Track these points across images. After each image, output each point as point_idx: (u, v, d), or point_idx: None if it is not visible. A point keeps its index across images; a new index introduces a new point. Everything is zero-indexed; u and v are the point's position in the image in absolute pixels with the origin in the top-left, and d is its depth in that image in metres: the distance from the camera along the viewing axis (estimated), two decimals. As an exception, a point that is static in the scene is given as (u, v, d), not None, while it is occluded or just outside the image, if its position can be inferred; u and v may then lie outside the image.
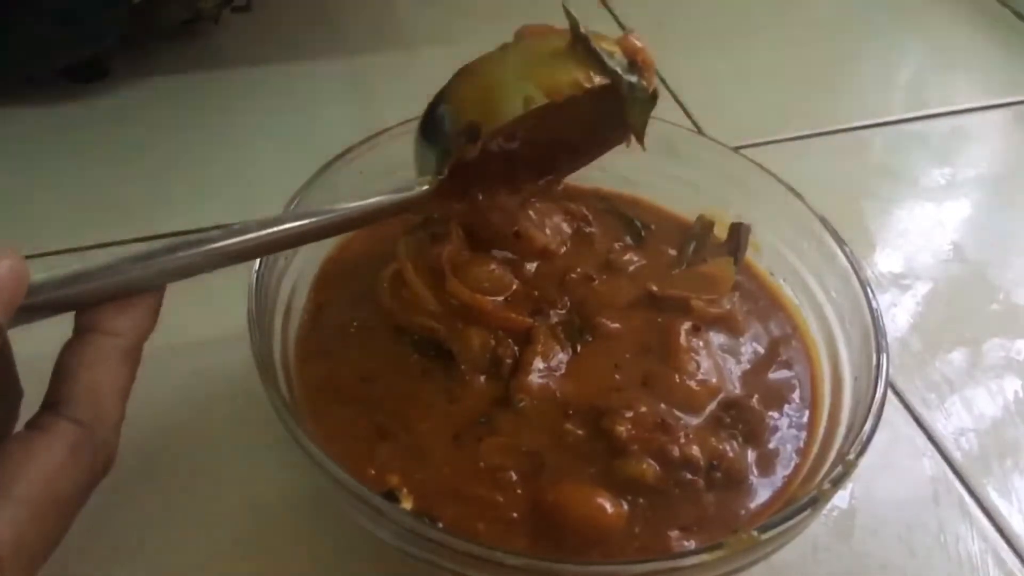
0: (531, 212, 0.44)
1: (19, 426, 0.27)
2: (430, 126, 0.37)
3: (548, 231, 0.44)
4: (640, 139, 0.39)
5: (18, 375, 0.29)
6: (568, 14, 0.36)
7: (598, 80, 0.36)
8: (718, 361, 0.41)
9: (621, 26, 0.73)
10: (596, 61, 0.36)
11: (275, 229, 0.32)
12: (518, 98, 0.35)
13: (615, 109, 0.38)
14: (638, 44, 0.37)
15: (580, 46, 0.36)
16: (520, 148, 0.41)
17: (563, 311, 0.42)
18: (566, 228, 0.45)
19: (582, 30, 0.36)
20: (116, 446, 0.28)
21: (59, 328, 0.29)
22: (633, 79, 0.37)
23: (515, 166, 0.41)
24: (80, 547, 0.37)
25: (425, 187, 0.36)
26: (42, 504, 0.25)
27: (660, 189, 0.48)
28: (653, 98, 0.38)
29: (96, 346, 0.28)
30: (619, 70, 0.36)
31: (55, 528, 0.26)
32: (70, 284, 0.28)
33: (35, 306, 0.27)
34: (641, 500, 0.35)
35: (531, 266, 0.44)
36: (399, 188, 0.36)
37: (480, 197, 0.41)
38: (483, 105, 0.36)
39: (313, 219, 0.33)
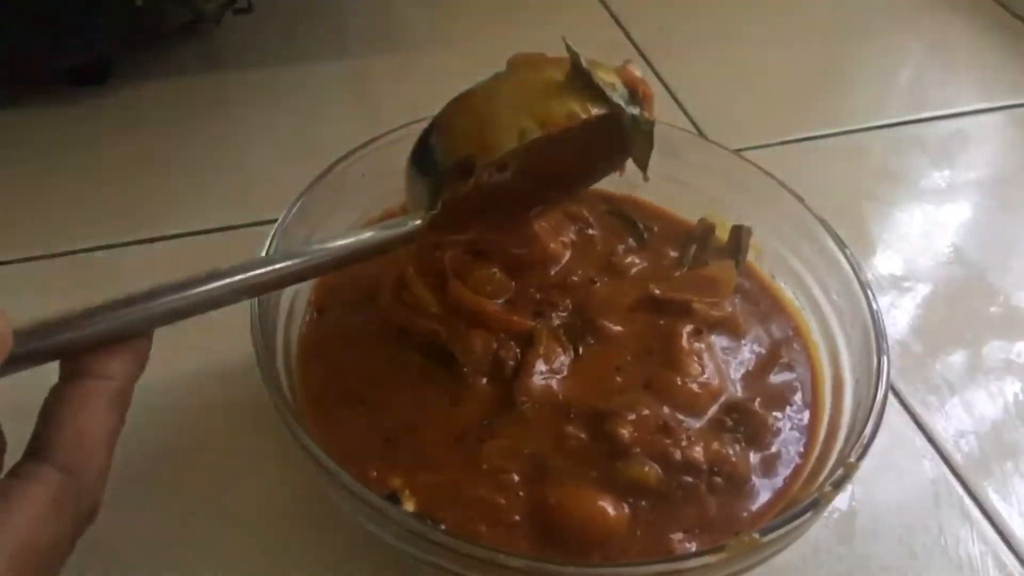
0: (538, 227, 0.44)
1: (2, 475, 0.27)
2: (422, 156, 0.36)
3: (558, 239, 0.44)
4: (644, 169, 0.39)
5: (0, 426, 0.28)
6: (569, 48, 0.36)
7: (595, 111, 0.35)
8: (720, 364, 0.41)
9: (622, 28, 0.73)
10: (598, 95, 0.36)
11: (263, 270, 0.32)
12: (513, 131, 0.35)
13: (608, 139, 0.38)
14: (637, 75, 0.37)
15: (580, 80, 0.36)
16: (512, 179, 0.40)
17: (565, 313, 0.42)
18: (572, 235, 0.45)
19: (584, 64, 0.36)
20: (101, 494, 0.27)
21: (45, 376, 0.28)
22: (636, 112, 0.37)
23: (507, 196, 0.41)
24: (82, 552, 0.38)
25: (417, 222, 0.35)
26: (23, 555, 0.24)
27: (661, 191, 0.49)
28: (651, 131, 0.38)
29: (83, 390, 0.27)
30: (622, 103, 0.36)
31: None
32: (55, 332, 0.27)
33: (19, 357, 0.26)
34: (643, 502, 0.36)
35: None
36: (391, 224, 0.35)
37: (470, 229, 0.41)
38: (477, 138, 0.35)
39: (302, 260, 0.33)
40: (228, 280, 0.31)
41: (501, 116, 0.35)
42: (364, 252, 0.34)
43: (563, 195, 0.43)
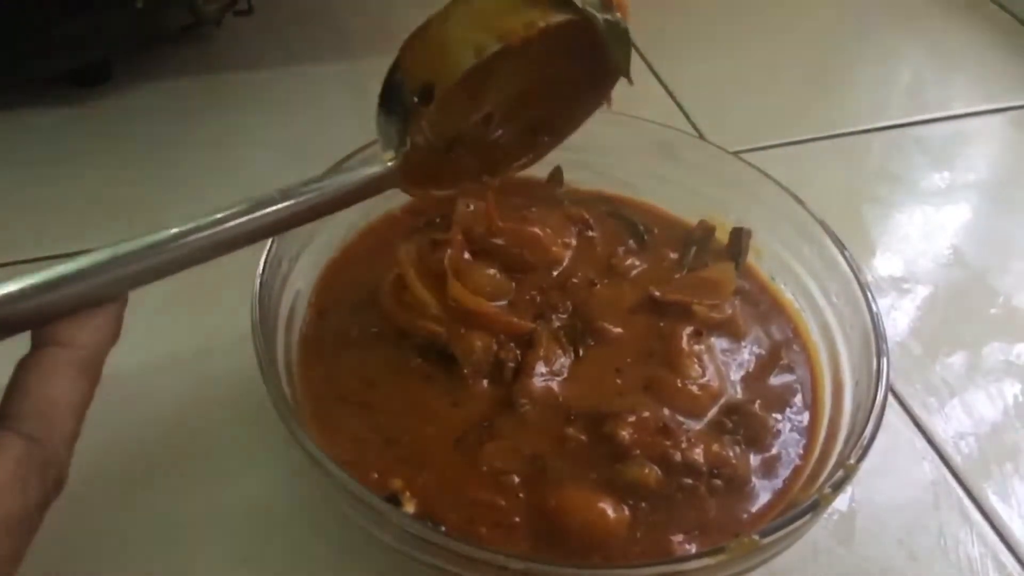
0: (538, 229, 0.44)
1: None
2: (388, 96, 0.35)
3: (559, 241, 0.44)
4: (626, 74, 0.37)
5: None
6: None
7: (554, 19, 0.34)
8: (720, 366, 0.41)
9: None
10: (562, 2, 0.34)
11: (235, 222, 0.30)
12: (470, 49, 0.33)
13: (584, 61, 0.36)
14: None
15: None
16: (497, 130, 0.39)
17: (565, 315, 0.42)
18: (572, 239, 0.45)
19: None
20: (68, 463, 0.26)
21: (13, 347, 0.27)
22: (609, 16, 0.35)
23: (494, 147, 0.40)
24: (83, 554, 0.38)
25: (391, 163, 0.34)
26: None
27: (661, 193, 0.49)
28: (628, 33, 0.36)
29: (51, 359, 0.26)
30: (593, 10, 0.35)
31: (5, 549, 0.24)
32: (19, 300, 0.26)
33: None
34: (643, 504, 0.36)
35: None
36: (365, 166, 0.34)
37: (461, 184, 0.39)
38: (436, 64, 0.34)
39: (279, 207, 0.31)
40: (198, 236, 0.29)
41: (458, 37, 0.34)
42: (344, 198, 0.33)
43: (552, 139, 0.41)
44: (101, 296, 0.28)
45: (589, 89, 0.39)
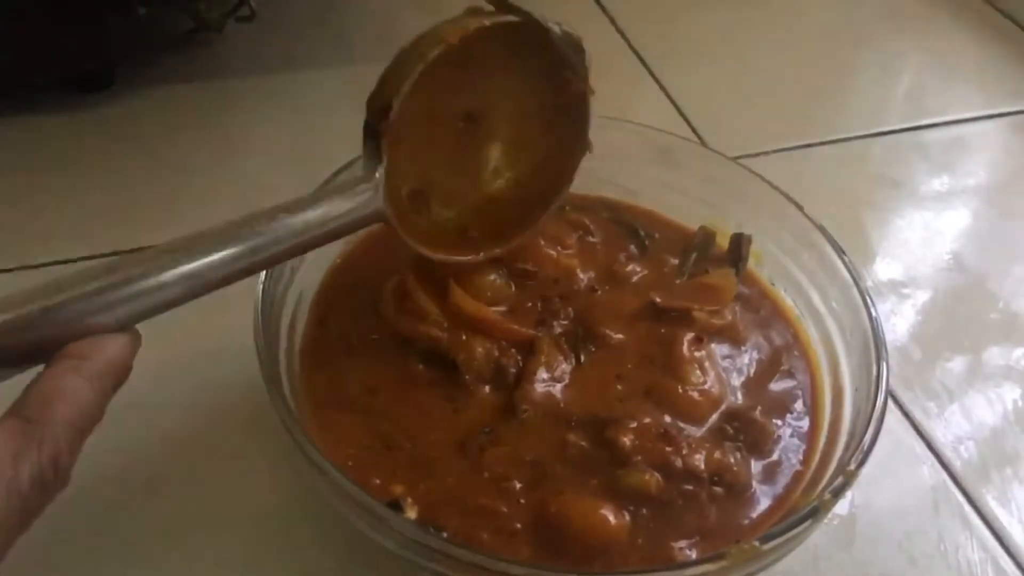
0: (542, 240, 0.44)
1: None
2: (366, 127, 0.37)
3: (557, 250, 0.45)
4: (586, 83, 0.39)
5: None
6: None
7: (495, 19, 0.36)
8: (720, 372, 0.41)
9: (622, 35, 0.74)
10: (510, 8, 0.37)
11: (232, 267, 0.32)
12: (418, 56, 0.36)
13: (553, 112, 0.39)
14: None
15: (498, 3, 0.37)
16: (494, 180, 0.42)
17: (566, 321, 0.42)
18: (574, 246, 0.46)
19: None
20: (68, 450, 0.26)
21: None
22: (558, 26, 0.38)
23: (498, 217, 0.42)
24: (85, 557, 0.38)
25: (368, 192, 0.36)
26: None
27: (662, 199, 0.49)
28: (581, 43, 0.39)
29: (60, 365, 0.28)
30: (544, 21, 0.37)
31: None
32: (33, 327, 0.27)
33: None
34: (644, 511, 0.36)
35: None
36: (348, 196, 0.36)
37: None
38: (395, 79, 0.36)
39: (275, 248, 0.33)
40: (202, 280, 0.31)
41: (410, 53, 0.36)
42: (329, 235, 0.35)
43: (548, 200, 0.43)
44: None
45: (567, 138, 0.41)
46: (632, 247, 0.47)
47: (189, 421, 0.43)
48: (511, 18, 0.37)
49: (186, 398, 0.43)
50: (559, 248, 0.45)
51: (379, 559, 0.37)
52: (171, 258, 0.31)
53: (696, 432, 0.39)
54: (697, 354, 0.41)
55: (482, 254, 0.41)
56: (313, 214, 0.34)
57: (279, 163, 0.59)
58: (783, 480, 0.38)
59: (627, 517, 0.35)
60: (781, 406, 0.41)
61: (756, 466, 0.38)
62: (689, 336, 0.41)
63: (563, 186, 0.43)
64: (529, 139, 0.42)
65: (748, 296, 0.46)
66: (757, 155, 0.61)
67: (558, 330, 0.41)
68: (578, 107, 0.41)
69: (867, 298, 0.41)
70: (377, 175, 0.36)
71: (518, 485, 0.36)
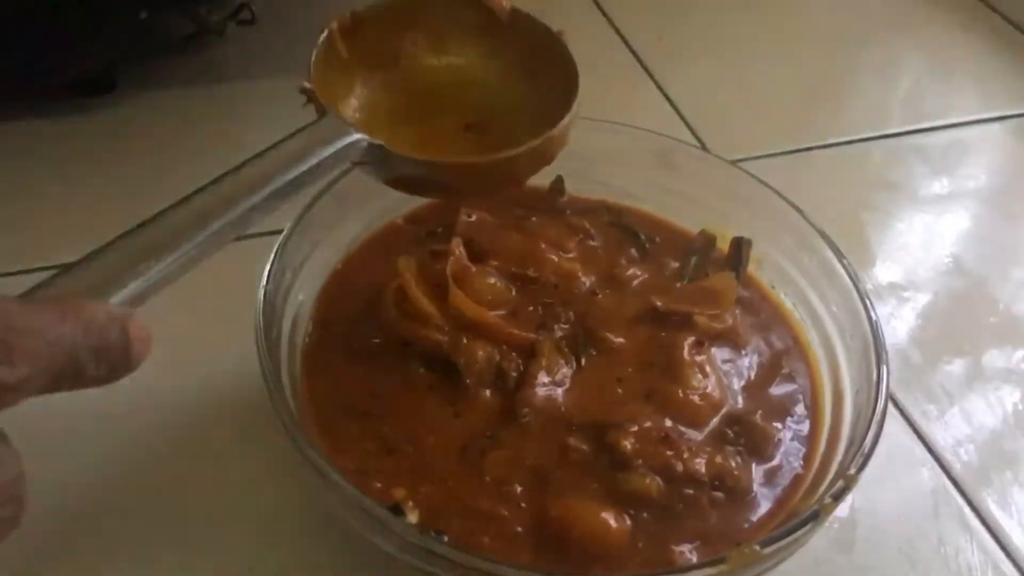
0: (543, 243, 0.44)
1: None
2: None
3: (558, 254, 0.45)
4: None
5: None
6: None
7: None
8: (721, 376, 0.41)
9: (622, 37, 0.74)
10: None
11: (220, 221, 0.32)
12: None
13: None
14: None
15: None
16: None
17: (567, 325, 0.42)
18: (572, 252, 0.46)
19: None
20: (23, 347, 0.24)
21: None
22: None
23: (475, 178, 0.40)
24: (86, 560, 0.38)
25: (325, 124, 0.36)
26: None
27: (662, 203, 0.49)
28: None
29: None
30: None
31: None
32: None
33: None
34: (644, 514, 0.36)
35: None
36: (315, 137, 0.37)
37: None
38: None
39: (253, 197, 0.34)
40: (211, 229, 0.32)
41: None
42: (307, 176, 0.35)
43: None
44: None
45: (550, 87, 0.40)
46: (633, 251, 0.47)
47: (191, 424, 0.43)
48: None
49: (188, 402, 0.44)
50: (560, 252, 0.45)
51: (380, 562, 0.37)
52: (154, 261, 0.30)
53: (697, 436, 0.39)
54: (698, 358, 0.41)
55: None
56: (279, 154, 0.35)
57: (280, 166, 0.58)
58: (783, 484, 0.38)
59: (628, 521, 0.35)
60: (781, 409, 0.41)
61: (757, 470, 0.38)
62: (690, 340, 0.41)
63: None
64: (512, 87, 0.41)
65: (748, 300, 0.46)
66: (757, 158, 0.62)
67: (559, 334, 0.41)
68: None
69: (867, 301, 0.41)
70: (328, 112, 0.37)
71: (519, 489, 0.36)
